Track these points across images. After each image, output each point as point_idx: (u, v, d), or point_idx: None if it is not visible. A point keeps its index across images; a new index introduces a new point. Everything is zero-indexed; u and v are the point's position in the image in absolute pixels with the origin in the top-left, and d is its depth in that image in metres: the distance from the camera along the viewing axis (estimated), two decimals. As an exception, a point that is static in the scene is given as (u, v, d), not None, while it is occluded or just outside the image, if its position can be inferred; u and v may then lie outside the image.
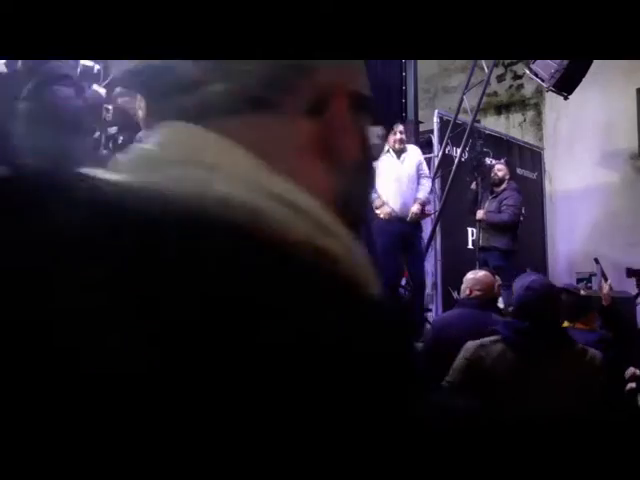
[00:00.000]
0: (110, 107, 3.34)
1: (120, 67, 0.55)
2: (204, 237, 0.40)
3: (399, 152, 5.07)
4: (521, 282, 2.62)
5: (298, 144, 0.52)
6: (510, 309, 2.65)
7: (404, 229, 4.93)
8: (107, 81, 3.37)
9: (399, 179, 5.08)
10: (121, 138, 3.41)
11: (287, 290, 0.40)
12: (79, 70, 3.31)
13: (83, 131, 3.25)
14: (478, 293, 3.53)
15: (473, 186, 5.89)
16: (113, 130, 3.43)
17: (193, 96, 0.50)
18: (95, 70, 3.46)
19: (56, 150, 2.84)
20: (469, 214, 6.08)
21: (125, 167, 0.48)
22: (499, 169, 6.20)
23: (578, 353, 2.48)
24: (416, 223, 5.18)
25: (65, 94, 3.05)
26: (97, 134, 3.38)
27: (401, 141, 5.05)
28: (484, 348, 2.45)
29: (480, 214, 5.73)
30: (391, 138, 5.00)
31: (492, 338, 2.48)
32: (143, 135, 0.52)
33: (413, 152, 5.25)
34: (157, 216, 0.40)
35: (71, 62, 3.13)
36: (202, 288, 0.38)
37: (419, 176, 5.22)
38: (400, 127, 5.09)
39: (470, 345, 2.50)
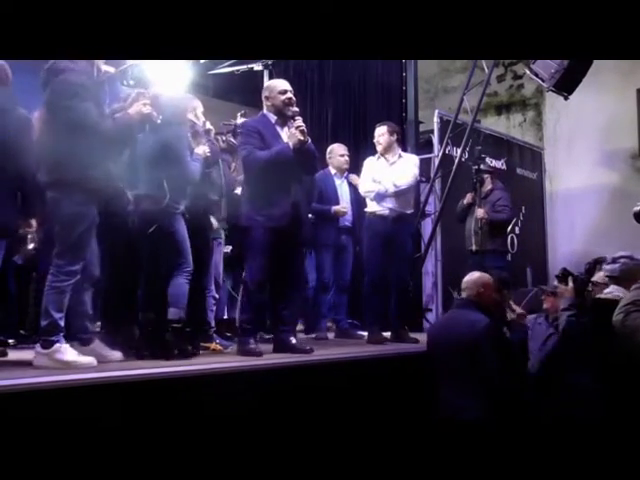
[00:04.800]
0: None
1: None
2: None
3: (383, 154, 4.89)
4: None
5: None
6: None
7: (393, 230, 4.79)
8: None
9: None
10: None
11: None
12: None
13: None
14: (465, 293, 3.59)
15: (469, 199, 5.79)
16: None
17: None
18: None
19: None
20: (459, 222, 5.98)
21: None
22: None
23: None
24: (406, 224, 5.01)
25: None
26: None
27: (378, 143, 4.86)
28: None
29: (481, 213, 5.67)
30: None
31: None
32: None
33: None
34: None
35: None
36: None
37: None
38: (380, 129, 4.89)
39: None
